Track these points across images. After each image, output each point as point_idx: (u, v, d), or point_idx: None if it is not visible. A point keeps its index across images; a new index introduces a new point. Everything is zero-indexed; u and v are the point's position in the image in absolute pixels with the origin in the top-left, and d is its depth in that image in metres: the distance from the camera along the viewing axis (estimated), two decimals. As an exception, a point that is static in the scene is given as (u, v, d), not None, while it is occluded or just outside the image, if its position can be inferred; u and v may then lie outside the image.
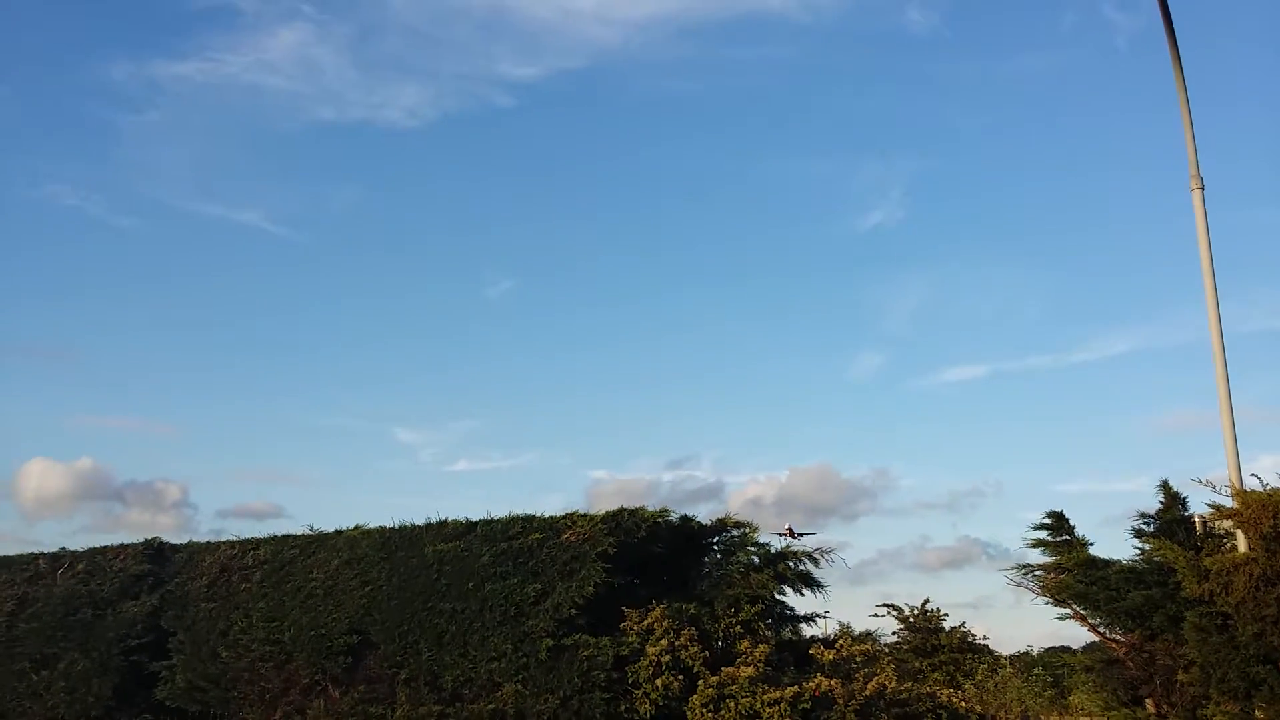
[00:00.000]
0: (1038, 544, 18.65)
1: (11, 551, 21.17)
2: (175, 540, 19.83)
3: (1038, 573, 18.60)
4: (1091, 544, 18.28)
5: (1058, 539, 18.43)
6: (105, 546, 19.93)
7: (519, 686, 15.18)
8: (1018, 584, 18.84)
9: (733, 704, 13.94)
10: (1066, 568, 17.79)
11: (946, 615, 33.38)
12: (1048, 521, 18.56)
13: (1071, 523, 18.53)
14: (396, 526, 17.28)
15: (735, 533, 16.30)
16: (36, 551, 20.76)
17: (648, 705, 14.45)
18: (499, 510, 16.70)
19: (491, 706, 15.36)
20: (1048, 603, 18.40)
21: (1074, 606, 18.01)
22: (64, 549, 20.46)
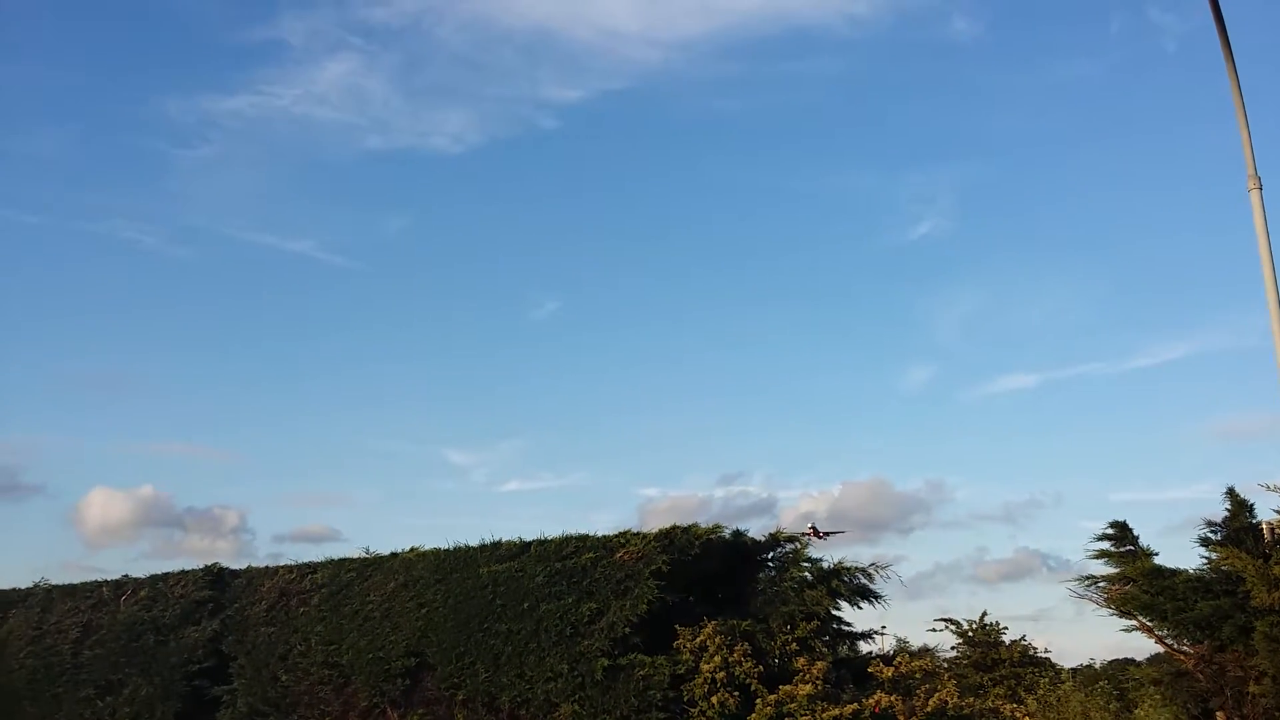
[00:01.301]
0: (1101, 555, 18.27)
1: (75, 579, 21.63)
2: (234, 566, 20.18)
3: (1101, 584, 18.21)
4: (1156, 554, 17.88)
5: (1121, 549, 18.03)
6: (167, 573, 20.28)
7: (576, 707, 15.14)
8: (1081, 596, 18.47)
9: (791, 722, 13.79)
10: (1131, 578, 17.40)
11: (1006, 629, 32.77)
12: (1110, 531, 18.18)
13: (1135, 532, 18.14)
14: (451, 548, 17.38)
15: (788, 548, 16.18)
16: (100, 579, 21.19)
17: (705, 723, 14.33)
18: (551, 530, 16.76)
19: (549, 727, 15.33)
20: (1112, 614, 18.01)
21: (1140, 618, 17.60)
22: (127, 576, 20.86)
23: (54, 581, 21.71)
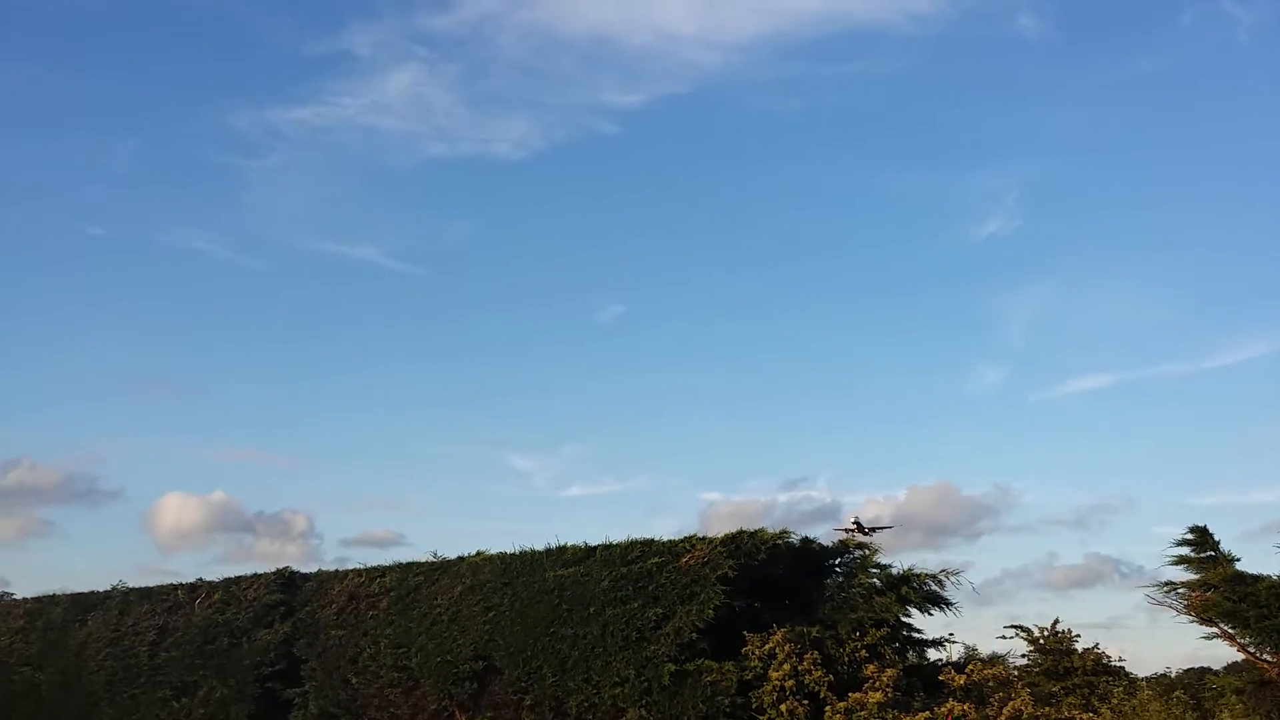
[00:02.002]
0: (1180, 560, 17.76)
1: (151, 583, 22.10)
2: (304, 569, 20.46)
3: (1180, 590, 17.72)
4: (1238, 559, 17.35)
5: (1201, 555, 17.53)
6: (239, 576, 20.64)
7: (643, 712, 15.10)
8: (1159, 603, 17.98)
9: (862, 730, 13.61)
10: (1212, 585, 16.90)
11: (1078, 636, 32.06)
12: (1190, 537, 17.67)
13: (1215, 537, 17.62)
14: (516, 552, 17.46)
15: (856, 554, 15.97)
16: (175, 582, 21.63)
17: (773, 731, 14.21)
18: (613, 534, 16.75)
19: (616, 732, 15.31)
20: (1192, 622, 17.51)
21: (1221, 625, 17.10)
22: (201, 580, 21.26)
23: (131, 585, 22.23)
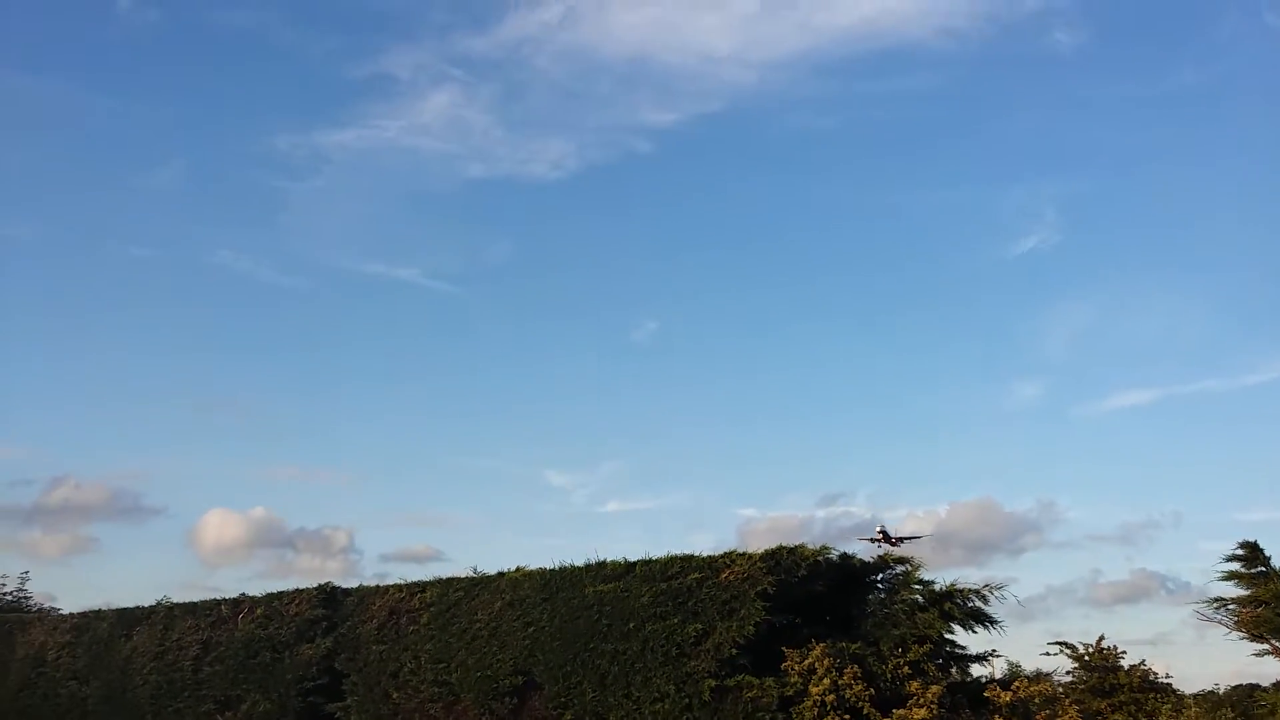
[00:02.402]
0: (1230, 576, 17.49)
1: (195, 598, 22.33)
2: (345, 585, 20.57)
3: (1231, 606, 17.41)
4: (1289, 575, 17.04)
5: (1252, 570, 17.23)
6: (281, 591, 20.81)
7: (684, 728, 15.02)
8: (1208, 619, 17.70)
9: (906, 747, 13.47)
10: (1264, 600, 16.59)
11: (1124, 653, 31.50)
12: (1240, 552, 17.38)
13: (1266, 553, 17.30)
14: (556, 568, 17.47)
15: (898, 570, 15.84)
16: (218, 598, 21.85)
17: (815, 748, 14.09)
18: (651, 550, 16.69)
19: (657, 748, 15.24)
20: (1242, 638, 17.22)
21: (1273, 641, 16.79)
22: (244, 594, 21.47)
23: (175, 600, 22.48)
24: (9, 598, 26.79)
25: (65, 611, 25.09)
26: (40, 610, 26.38)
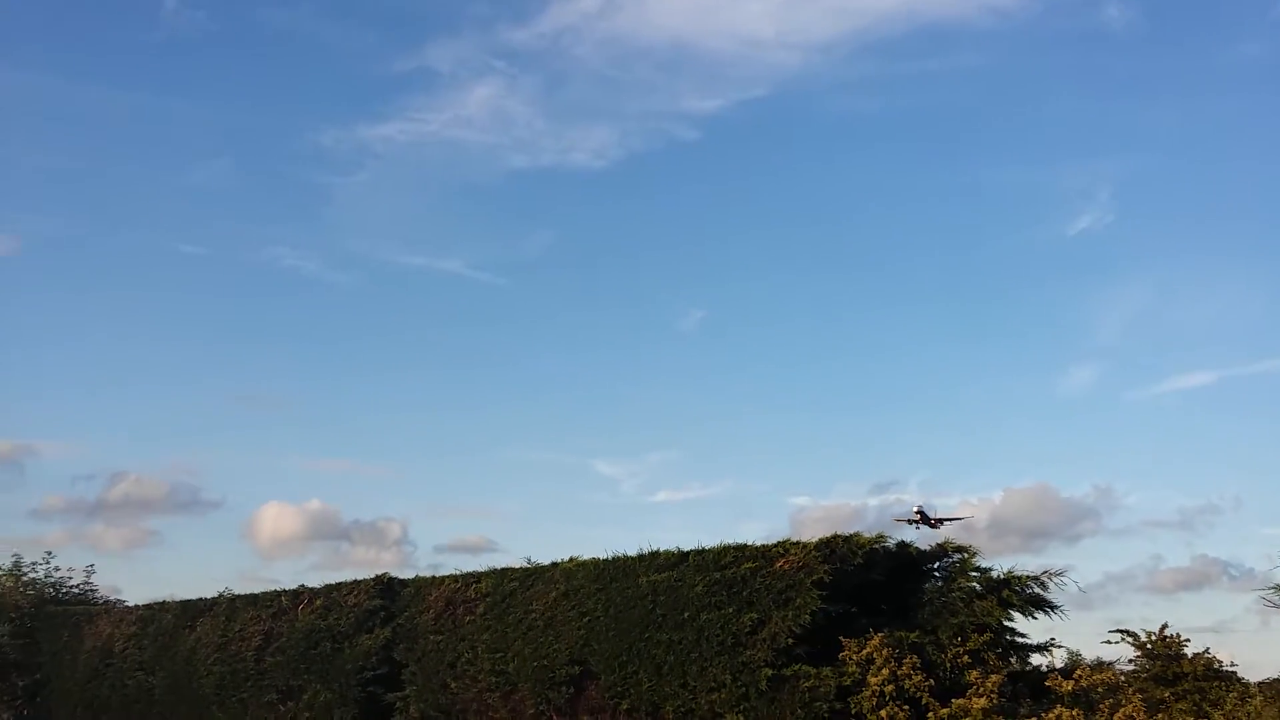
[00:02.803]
0: (1295, 561, 17.04)
1: (252, 589, 22.72)
2: (401, 576, 20.78)
3: (1297, 593, 16.99)
4: (1359, 560, 16.57)
5: (1320, 556, 16.78)
6: (340, 583, 21.08)
7: (740, 717, 15.01)
8: (1273, 605, 17.27)
9: (966, 737, 13.34)
10: (1332, 587, 16.17)
11: (1187, 640, 30.88)
12: (1306, 537, 16.96)
13: (1334, 537, 16.87)
14: (610, 558, 17.49)
15: (956, 558, 15.66)
16: (278, 589, 22.20)
17: (874, 737, 14.00)
18: (702, 539, 16.64)
19: (713, 738, 15.24)
20: (1310, 625, 16.78)
21: (1342, 629, 16.36)
22: (303, 586, 21.76)
23: (236, 591, 22.88)
24: (76, 590, 27.42)
25: (130, 603, 25.65)
26: (106, 602, 27.00)
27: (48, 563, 27.32)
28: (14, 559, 26.98)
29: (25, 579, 26.57)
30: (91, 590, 27.56)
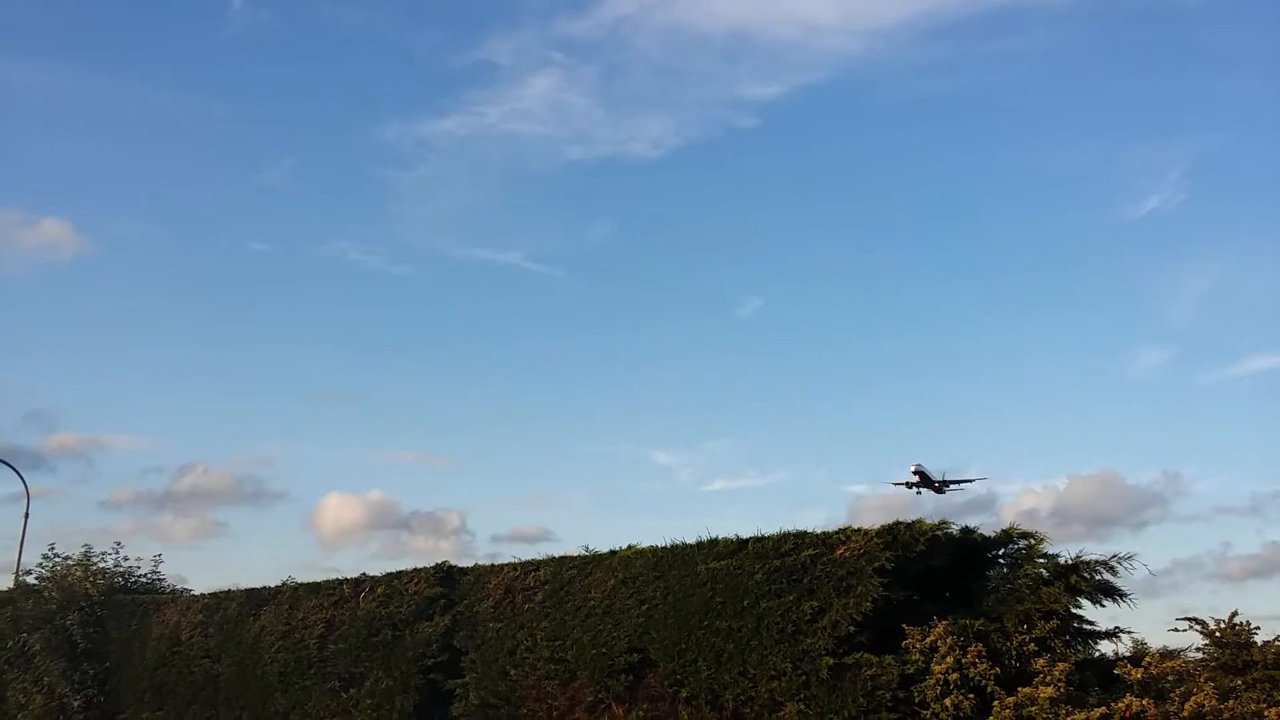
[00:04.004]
0: (1375, 547, 16.53)
1: (315, 578, 23.02)
2: (460, 564, 20.94)
3: (1377, 580, 16.47)
4: None
5: (1400, 541, 16.27)
6: (400, 571, 21.28)
7: (801, 706, 14.92)
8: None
9: (1033, 726, 13.11)
10: None
11: (1258, 629, 30.18)
12: (1386, 522, 16.43)
13: None
14: (668, 545, 17.46)
15: (1021, 544, 15.40)
16: (340, 578, 22.47)
17: (938, 726, 13.83)
18: (759, 528, 16.54)
19: (775, 726, 15.16)
20: (1390, 613, 16.26)
21: None
22: (364, 574, 22.01)
23: (299, 580, 23.20)
24: (144, 580, 27.98)
25: (197, 592, 26.13)
26: (173, 591, 27.53)
27: (117, 553, 27.91)
28: (84, 550, 27.61)
29: (95, 569, 27.15)
30: (159, 580, 28.15)
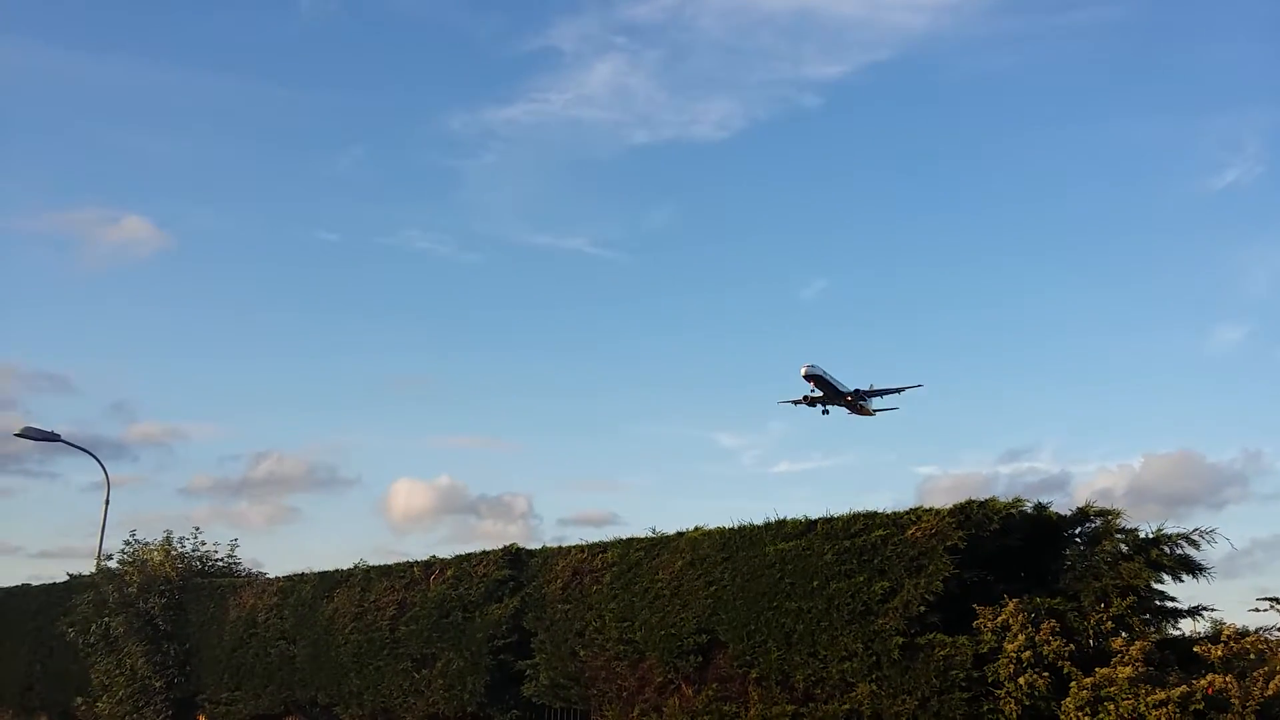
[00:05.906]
0: None
1: (386, 561, 23.38)
2: (529, 547, 21.12)
3: None
4: None
5: None
6: (469, 554, 21.54)
7: (873, 686, 14.85)
8: None
9: (1112, 706, 12.91)
10: None
11: (1340, 608, 29.38)
12: None
13: None
14: (735, 527, 17.44)
15: (1098, 521, 15.13)
16: (410, 560, 22.81)
17: (1013, 705, 13.68)
18: (828, 509, 16.42)
19: (846, 707, 15.12)
20: None
21: None
22: (434, 557, 22.32)
23: (371, 563, 23.59)
24: (221, 564, 28.62)
25: (272, 576, 26.67)
26: (249, 575, 28.12)
27: (195, 538, 28.58)
28: (164, 535, 28.32)
29: (174, 554, 27.84)
30: (236, 564, 28.77)
